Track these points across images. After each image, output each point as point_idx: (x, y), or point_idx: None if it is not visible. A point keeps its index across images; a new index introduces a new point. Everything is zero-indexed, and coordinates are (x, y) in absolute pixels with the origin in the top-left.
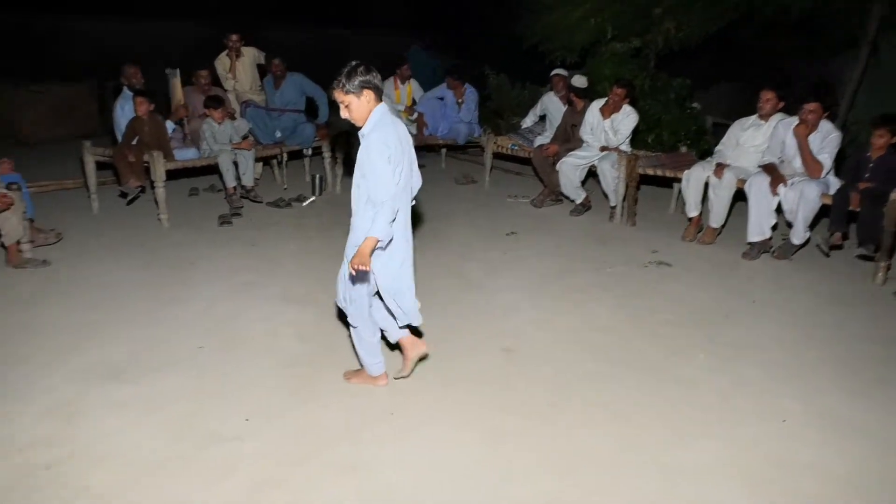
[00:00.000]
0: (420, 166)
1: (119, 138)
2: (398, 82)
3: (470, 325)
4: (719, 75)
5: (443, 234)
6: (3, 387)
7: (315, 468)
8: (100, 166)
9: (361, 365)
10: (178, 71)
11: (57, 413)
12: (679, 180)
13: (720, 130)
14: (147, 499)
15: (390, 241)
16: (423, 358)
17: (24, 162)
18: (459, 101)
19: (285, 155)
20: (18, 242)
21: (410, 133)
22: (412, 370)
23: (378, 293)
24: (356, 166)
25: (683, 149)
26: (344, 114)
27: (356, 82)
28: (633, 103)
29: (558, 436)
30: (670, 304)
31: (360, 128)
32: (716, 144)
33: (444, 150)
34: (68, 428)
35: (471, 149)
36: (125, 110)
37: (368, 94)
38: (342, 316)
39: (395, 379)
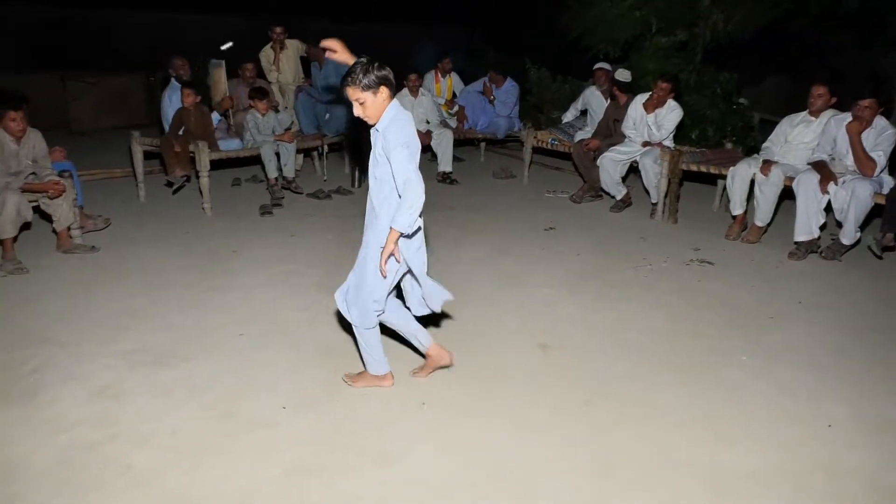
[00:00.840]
0: (459, 160)
1: (166, 128)
2: (439, 75)
3: (506, 320)
4: (767, 70)
5: (480, 227)
6: (51, 368)
7: (350, 457)
8: (147, 155)
9: (365, 366)
10: (223, 62)
11: (101, 395)
12: (724, 177)
13: (767, 127)
14: (187, 480)
15: (418, 229)
16: (445, 366)
17: (75, 150)
18: (491, 97)
19: (326, 146)
20: (69, 228)
21: (449, 126)
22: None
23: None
24: (371, 166)
25: (729, 145)
26: (358, 111)
27: (372, 78)
28: (677, 98)
29: (595, 434)
30: (712, 303)
31: (371, 126)
32: (763, 141)
33: (483, 144)
34: (112, 410)
35: (510, 143)
36: (173, 101)
37: (384, 91)
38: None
39: (413, 375)
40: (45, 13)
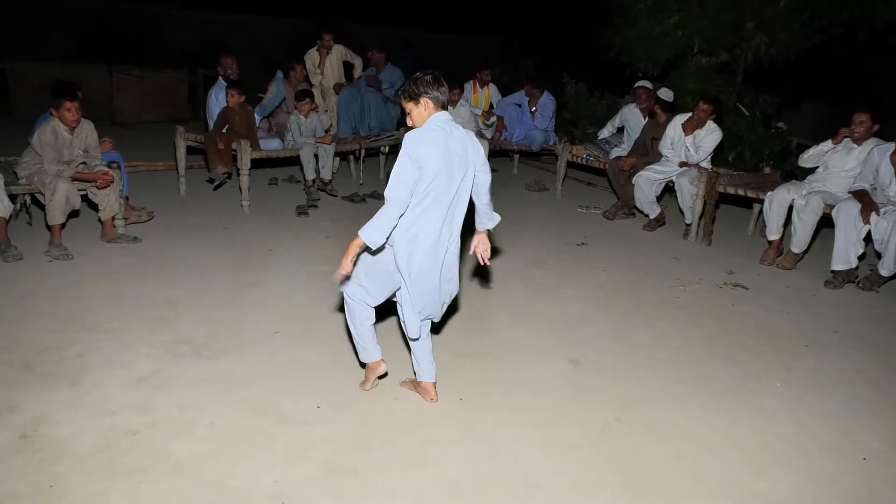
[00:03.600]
0: (492, 170)
1: (210, 125)
2: (477, 86)
3: (538, 334)
4: (806, 94)
5: (513, 238)
6: (95, 353)
7: (383, 459)
8: (189, 150)
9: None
10: (281, 74)
11: (143, 383)
12: (761, 201)
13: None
14: (224, 470)
15: (381, 249)
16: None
17: (119, 142)
18: (533, 109)
19: (363, 150)
20: (113, 218)
21: (485, 136)
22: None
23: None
24: None
25: (767, 169)
26: (408, 121)
27: (416, 90)
28: (718, 120)
29: (627, 452)
30: (746, 328)
31: None
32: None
33: (517, 156)
34: (153, 397)
35: (544, 156)
36: (219, 99)
37: (426, 103)
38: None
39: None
40: (97, 5)
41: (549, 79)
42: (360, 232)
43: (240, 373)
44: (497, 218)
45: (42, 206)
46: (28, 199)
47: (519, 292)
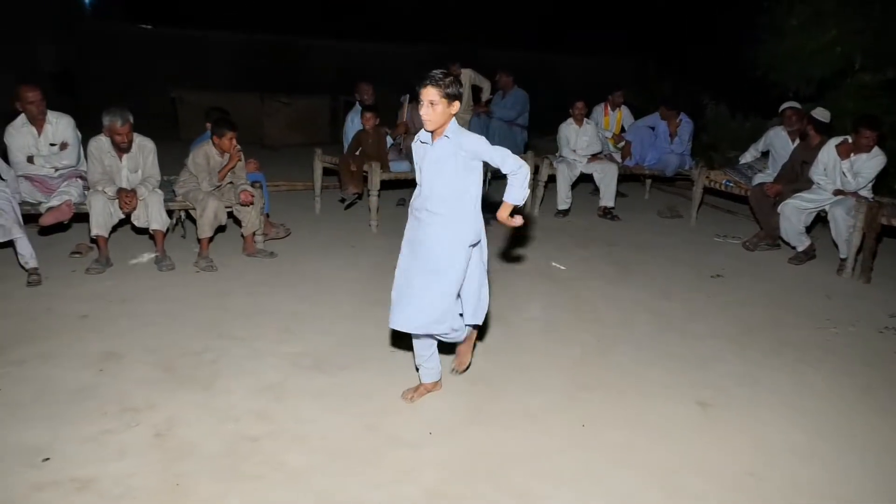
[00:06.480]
0: (622, 195)
1: (345, 147)
2: (608, 108)
3: (664, 370)
4: None
5: (641, 268)
6: (227, 360)
7: (490, 491)
8: (326, 171)
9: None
10: (408, 96)
11: (266, 392)
12: None
13: None
14: (333, 484)
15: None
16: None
17: (265, 163)
18: (672, 132)
19: (490, 174)
20: (254, 234)
21: (615, 161)
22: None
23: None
24: (436, 174)
25: None
26: (426, 112)
27: (453, 90)
28: (881, 143)
29: None
30: None
31: (427, 131)
32: None
33: (648, 181)
34: (274, 407)
35: (679, 181)
36: (354, 123)
37: (455, 106)
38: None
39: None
40: (251, 37)
41: (685, 100)
42: (509, 199)
43: (355, 388)
44: None
45: (195, 222)
46: (183, 214)
47: (644, 323)
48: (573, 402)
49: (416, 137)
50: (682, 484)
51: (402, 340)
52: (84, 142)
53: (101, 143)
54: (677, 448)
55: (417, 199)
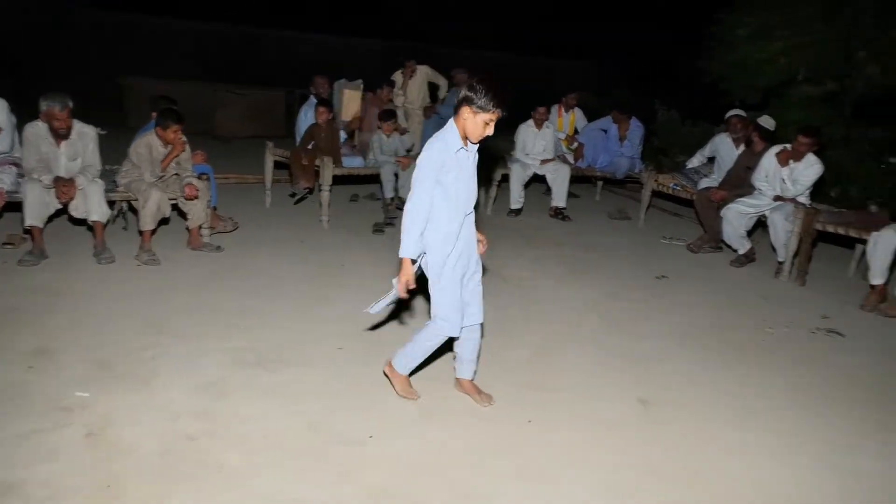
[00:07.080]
0: (574, 196)
1: (297, 141)
2: (562, 109)
3: (608, 369)
4: None
5: (590, 268)
6: (167, 357)
7: (437, 488)
8: (277, 165)
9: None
10: (360, 83)
11: (207, 390)
12: (864, 241)
13: None
14: (274, 486)
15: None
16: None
17: (215, 155)
18: (623, 136)
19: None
20: (200, 227)
21: (567, 161)
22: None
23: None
24: (472, 176)
25: (873, 208)
26: (489, 131)
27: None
28: (819, 152)
29: None
30: (840, 380)
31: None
32: None
33: (600, 183)
34: (215, 405)
35: (629, 183)
36: (308, 116)
37: (464, 111)
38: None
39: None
40: (212, 28)
41: (635, 105)
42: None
43: (299, 387)
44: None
45: (137, 213)
46: (125, 205)
47: (591, 323)
48: (519, 401)
49: (446, 146)
50: (626, 480)
51: (352, 341)
52: (20, 127)
53: (37, 128)
54: (618, 446)
55: (457, 204)
